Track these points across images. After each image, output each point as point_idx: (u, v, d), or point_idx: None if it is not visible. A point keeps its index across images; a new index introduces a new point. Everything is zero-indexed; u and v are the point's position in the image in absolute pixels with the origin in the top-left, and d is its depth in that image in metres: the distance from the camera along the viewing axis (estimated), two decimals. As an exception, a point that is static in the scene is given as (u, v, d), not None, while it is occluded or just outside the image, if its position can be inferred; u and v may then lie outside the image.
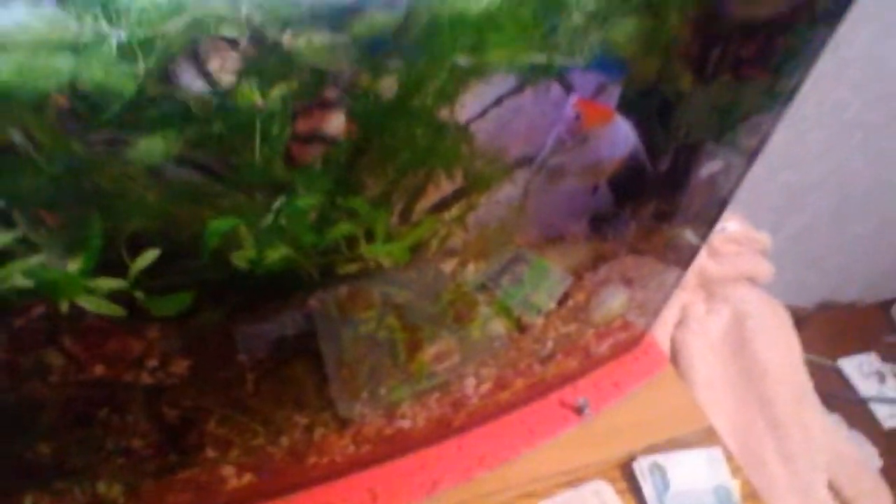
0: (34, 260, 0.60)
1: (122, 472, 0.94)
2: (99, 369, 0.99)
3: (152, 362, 1.00)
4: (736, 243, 1.92)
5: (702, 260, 1.84)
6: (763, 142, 1.13)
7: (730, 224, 1.96)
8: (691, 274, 1.82)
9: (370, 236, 0.82)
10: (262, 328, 1.04)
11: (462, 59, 0.64)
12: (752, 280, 1.91)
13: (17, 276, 0.60)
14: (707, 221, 1.27)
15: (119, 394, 0.97)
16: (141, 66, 0.52)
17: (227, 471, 1.02)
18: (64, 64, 0.48)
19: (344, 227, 0.74)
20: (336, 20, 0.58)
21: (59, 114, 0.53)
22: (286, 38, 0.54)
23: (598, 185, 1.03)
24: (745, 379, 1.80)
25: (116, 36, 0.50)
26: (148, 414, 0.95)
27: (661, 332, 1.74)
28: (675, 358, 1.74)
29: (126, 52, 0.51)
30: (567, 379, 1.35)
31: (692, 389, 1.62)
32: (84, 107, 0.53)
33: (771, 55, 0.98)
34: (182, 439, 0.98)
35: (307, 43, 0.55)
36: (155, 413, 0.97)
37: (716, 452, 1.31)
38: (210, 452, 1.00)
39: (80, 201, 0.60)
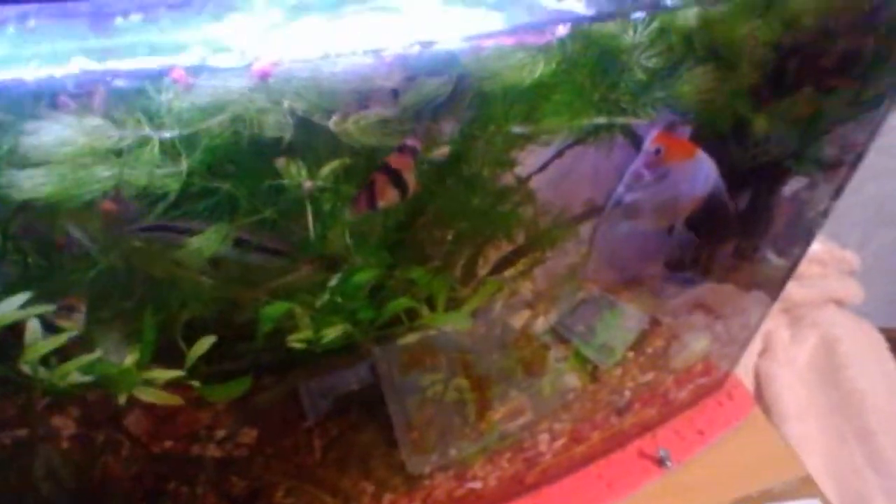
0: (91, 356, 0.59)
1: (193, 545, 0.93)
2: (168, 443, 1.00)
3: (220, 433, 1.00)
4: (820, 264, 1.81)
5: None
6: (857, 160, 1.04)
7: (813, 245, 1.84)
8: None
9: (431, 304, 0.78)
10: (327, 395, 1.02)
11: (517, 128, 0.60)
12: (839, 303, 1.79)
13: (74, 373, 0.60)
14: (798, 247, 1.18)
15: (187, 467, 0.97)
16: (184, 164, 0.50)
17: (297, 540, 1.00)
18: (106, 172, 0.47)
19: (404, 301, 0.71)
20: (382, 98, 0.55)
21: (109, 218, 0.52)
22: (333, 123, 0.51)
23: (675, 225, 0.97)
24: (839, 410, 1.68)
25: (159, 136, 0.48)
26: (216, 486, 0.94)
27: (744, 362, 1.65)
28: (759, 391, 1.64)
29: (169, 151, 0.49)
30: (646, 428, 1.27)
31: (780, 424, 1.51)
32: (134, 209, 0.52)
33: (853, 65, 0.91)
34: (251, 509, 0.97)
35: (356, 124, 0.52)
36: (223, 485, 0.97)
37: (815, 505, 1.21)
38: (279, 522, 0.98)
39: (134, 294, 0.59)
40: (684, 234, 0.99)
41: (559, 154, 0.83)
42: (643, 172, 0.91)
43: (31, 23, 0.42)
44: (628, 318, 1.22)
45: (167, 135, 0.48)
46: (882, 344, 1.74)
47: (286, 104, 0.49)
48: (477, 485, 1.11)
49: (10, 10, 0.39)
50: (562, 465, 1.19)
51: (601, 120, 0.62)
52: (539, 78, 0.54)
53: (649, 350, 1.19)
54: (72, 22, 0.41)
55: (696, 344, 1.21)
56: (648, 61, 0.59)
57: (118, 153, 0.48)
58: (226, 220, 0.55)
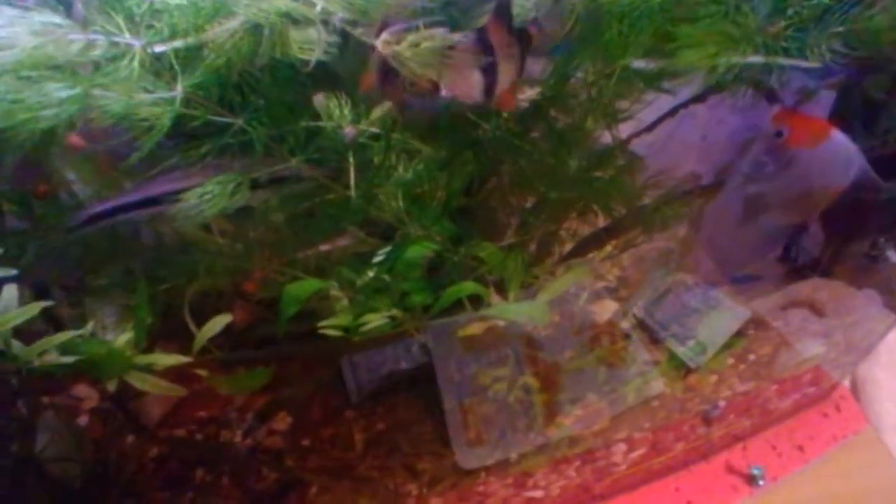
0: (72, 333, 0.47)
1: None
2: (181, 430, 0.88)
3: (251, 419, 0.88)
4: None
5: (892, 276, 1.53)
6: None
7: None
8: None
9: (499, 288, 0.63)
10: (367, 368, 0.89)
11: (638, 63, 0.44)
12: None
13: (53, 352, 0.47)
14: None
15: (214, 453, 0.86)
16: (179, 89, 0.36)
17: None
18: (64, 91, 0.33)
19: (468, 286, 0.56)
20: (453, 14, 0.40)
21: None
22: (382, 42, 0.36)
23: (808, 222, 0.79)
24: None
25: (142, 46, 0.34)
26: (245, 476, 0.83)
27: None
28: (856, 395, 1.46)
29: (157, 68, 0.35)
30: (736, 438, 1.10)
31: (879, 433, 1.34)
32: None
33: None
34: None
35: (411, 47, 0.37)
36: (252, 476, 0.85)
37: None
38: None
39: (126, 260, 0.46)
40: (821, 232, 0.80)
41: (673, 112, 0.66)
42: (764, 160, 0.73)
43: None
44: (727, 314, 1.04)
45: (153, 46, 0.34)
46: None
47: (319, 5, 0.34)
48: (538, 494, 0.96)
49: None
50: (637, 476, 1.04)
51: (756, 58, 0.44)
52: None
53: (752, 357, 1.01)
54: None
55: (809, 351, 1.03)
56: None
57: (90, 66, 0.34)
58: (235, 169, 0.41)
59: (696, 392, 0.97)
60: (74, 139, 0.39)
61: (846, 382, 1.43)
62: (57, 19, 0.33)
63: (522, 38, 0.44)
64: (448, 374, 0.87)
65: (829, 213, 0.77)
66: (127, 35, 0.34)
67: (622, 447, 0.99)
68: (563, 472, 0.98)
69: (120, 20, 0.34)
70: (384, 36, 0.37)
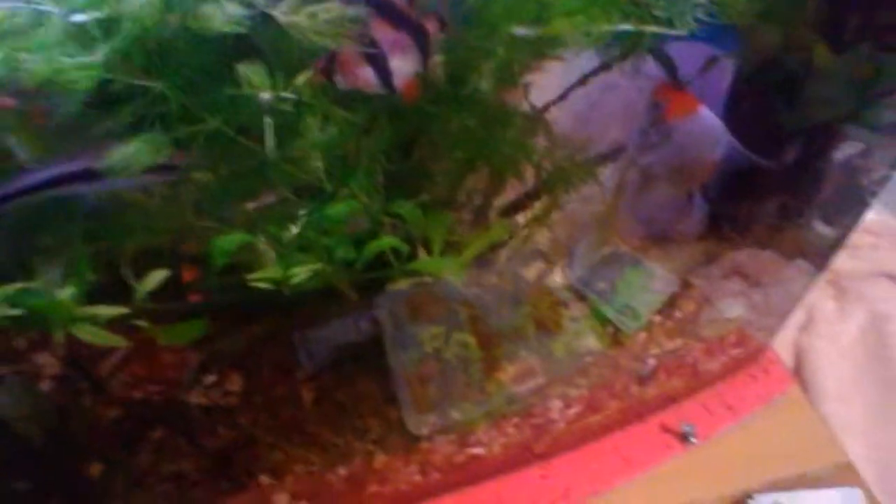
0: (15, 285, 0.51)
1: (171, 498, 0.86)
2: (152, 387, 0.93)
3: (204, 380, 0.93)
4: (872, 234, 1.67)
5: (830, 253, 1.60)
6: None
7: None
8: (818, 268, 1.60)
9: (427, 247, 0.68)
10: (320, 341, 0.94)
11: (521, 30, 0.49)
12: (891, 277, 1.65)
13: (2, 305, 0.52)
14: (850, 215, 1.06)
15: (168, 413, 0.90)
16: (101, 55, 0.41)
17: (282, 499, 0.93)
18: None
19: (386, 240, 0.61)
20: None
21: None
22: (281, 13, 0.41)
23: (692, 192, 0.86)
24: (886, 392, 1.56)
25: (62, 15, 0.39)
26: (191, 438, 0.87)
27: (782, 335, 1.53)
28: (798, 367, 1.52)
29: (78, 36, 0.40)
30: (670, 400, 1.17)
31: (820, 403, 1.41)
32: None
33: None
34: (234, 464, 0.90)
35: (310, 18, 0.42)
36: (205, 434, 0.90)
37: (853, 493, 1.10)
38: (264, 479, 0.92)
39: (62, 218, 0.50)
40: (702, 203, 0.87)
41: (582, 81, 0.71)
42: (648, 131, 0.80)
43: None
44: (656, 280, 1.11)
45: (73, 15, 0.39)
46: (939, 322, 1.60)
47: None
48: (480, 451, 1.02)
49: None
50: (574, 435, 1.10)
51: (626, 27, 0.50)
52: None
53: (678, 314, 1.08)
54: None
55: (731, 311, 1.09)
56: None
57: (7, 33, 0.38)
58: (160, 130, 0.46)
59: (626, 349, 1.03)
60: (6, 101, 0.43)
61: (786, 354, 1.51)
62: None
63: (419, 32, 0.49)
64: (395, 343, 0.92)
65: (708, 185, 0.84)
66: (49, 4, 0.38)
67: (558, 404, 1.05)
68: (503, 430, 1.04)
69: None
70: (282, 6, 0.42)
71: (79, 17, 0.40)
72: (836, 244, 1.11)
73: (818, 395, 1.45)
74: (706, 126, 0.75)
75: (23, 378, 0.85)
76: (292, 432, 0.91)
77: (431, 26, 0.50)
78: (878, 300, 1.58)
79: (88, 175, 0.50)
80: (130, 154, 0.44)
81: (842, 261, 1.57)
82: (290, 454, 0.90)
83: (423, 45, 0.50)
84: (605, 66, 0.66)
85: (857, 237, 1.63)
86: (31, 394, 0.85)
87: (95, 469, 0.87)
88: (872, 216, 1.67)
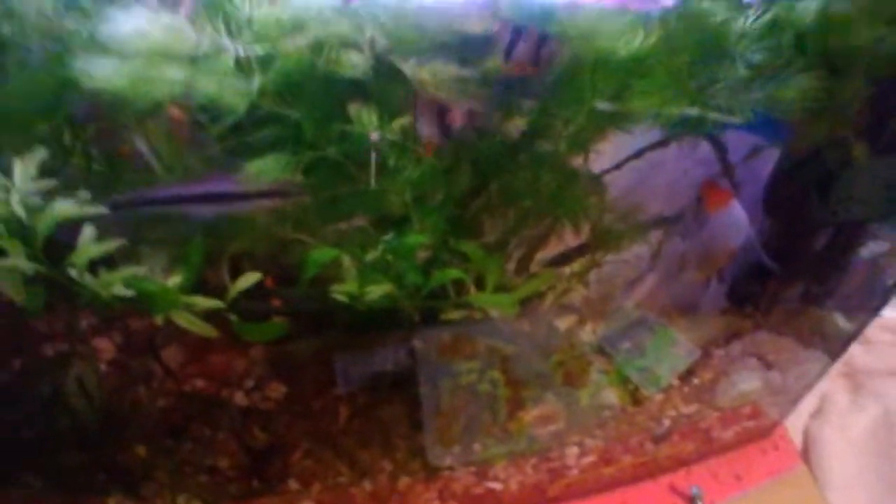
0: (135, 269, 0.59)
1: (205, 489, 0.92)
2: (199, 382, 1.00)
3: (250, 383, 0.99)
4: (891, 332, 1.71)
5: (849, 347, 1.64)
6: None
7: (886, 310, 1.74)
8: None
9: (481, 284, 0.76)
10: (361, 364, 1.01)
11: (602, 105, 0.57)
12: (909, 377, 1.68)
13: (118, 285, 0.59)
14: (867, 310, 1.11)
15: (214, 410, 0.96)
16: (257, 83, 0.49)
17: (307, 506, 0.98)
18: (177, 74, 0.46)
19: (452, 272, 0.68)
20: (468, 51, 0.53)
21: (174, 125, 0.52)
22: (409, 67, 0.49)
23: (711, 278, 0.93)
24: (890, 489, 1.58)
25: (235, 49, 0.47)
26: (239, 434, 0.93)
27: (794, 420, 1.56)
28: (806, 452, 1.55)
29: (243, 66, 0.48)
30: (681, 462, 1.21)
31: (825, 491, 1.43)
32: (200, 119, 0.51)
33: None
34: (268, 466, 0.96)
35: (432, 74, 0.50)
36: (246, 435, 0.96)
37: (851, 577, 1.13)
38: (293, 484, 0.97)
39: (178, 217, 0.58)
40: (717, 285, 0.95)
41: (638, 154, 0.79)
42: (690, 220, 0.88)
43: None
44: (678, 347, 1.16)
45: (243, 49, 0.47)
46: (951, 427, 1.62)
47: (368, 33, 0.47)
48: (497, 486, 1.07)
49: None
50: (587, 484, 1.14)
51: (693, 111, 0.58)
52: (636, 51, 0.50)
53: (696, 381, 1.13)
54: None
55: (746, 385, 1.15)
56: (754, 55, 0.55)
57: (192, 59, 0.47)
58: (288, 151, 0.54)
59: (644, 408, 1.08)
60: (175, 111, 0.51)
61: (796, 439, 1.54)
62: (178, 21, 0.46)
63: None
64: (427, 363, 0.98)
65: (724, 270, 0.91)
66: (225, 37, 0.47)
67: (575, 451, 1.10)
68: (521, 468, 1.08)
69: (220, 24, 0.47)
70: (411, 62, 0.50)
71: (244, 51, 0.48)
72: (851, 335, 1.16)
73: (823, 483, 1.48)
74: (735, 218, 0.83)
75: (86, 360, 0.92)
76: (325, 444, 0.96)
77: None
78: (892, 398, 1.61)
79: (212, 197, 0.59)
80: (264, 167, 0.52)
81: (859, 356, 1.62)
82: (320, 462, 0.95)
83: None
84: (661, 143, 0.74)
85: (875, 334, 1.67)
86: (93, 373, 0.92)
87: (143, 451, 0.93)
88: (892, 313, 1.71)
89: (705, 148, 0.86)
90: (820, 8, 0.55)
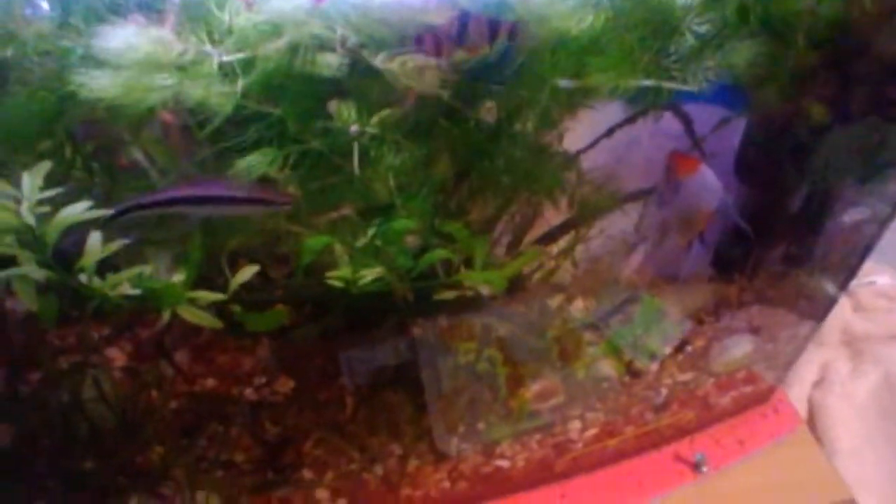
0: (141, 269, 0.63)
1: (222, 485, 0.96)
2: (210, 382, 1.04)
3: (259, 379, 1.04)
4: (887, 298, 1.73)
5: (846, 315, 1.67)
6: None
7: (880, 278, 1.77)
8: (834, 330, 1.66)
9: (471, 264, 0.80)
10: (363, 352, 1.05)
11: (563, 82, 0.61)
12: (907, 341, 1.71)
13: (125, 284, 0.63)
14: (846, 270, 1.15)
15: (226, 408, 1.01)
16: (240, 85, 0.53)
17: (322, 494, 1.02)
18: (166, 81, 0.50)
19: (440, 252, 0.72)
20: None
21: (165, 129, 0.56)
22: (380, 60, 0.54)
23: (692, 241, 0.98)
24: (896, 451, 1.61)
25: (218, 56, 0.51)
26: (251, 429, 0.98)
27: (798, 391, 1.58)
28: (812, 421, 1.57)
29: (227, 71, 0.53)
30: (684, 431, 1.25)
31: (833, 458, 1.46)
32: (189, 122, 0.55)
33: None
34: (281, 457, 1.00)
35: (401, 65, 0.54)
36: (258, 429, 1.00)
37: (855, 529, 1.16)
38: (307, 473, 1.01)
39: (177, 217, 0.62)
40: (700, 248, 0.99)
41: (609, 132, 0.84)
42: (662, 188, 0.93)
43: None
44: (669, 317, 1.20)
45: (225, 55, 0.51)
46: (952, 387, 1.64)
47: (339, 32, 0.51)
48: (504, 463, 1.11)
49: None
50: (593, 457, 1.18)
51: (648, 82, 0.62)
52: (588, 30, 0.55)
53: (689, 349, 1.17)
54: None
55: (737, 350, 1.18)
56: (700, 27, 0.60)
57: (179, 67, 0.51)
58: (274, 147, 0.58)
59: (641, 379, 1.12)
60: (167, 115, 0.56)
61: (801, 409, 1.57)
62: (164, 33, 0.50)
63: None
64: (430, 359, 1.02)
65: (704, 233, 0.96)
66: (209, 46, 0.51)
67: (577, 425, 1.14)
68: (526, 445, 1.12)
69: (203, 34, 0.52)
70: (381, 56, 0.55)
71: (228, 57, 0.52)
72: (835, 296, 1.20)
73: (831, 450, 1.51)
74: (706, 182, 0.87)
75: (101, 368, 0.96)
76: (335, 433, 1.01)
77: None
78: (892, 362, 1.64)
79: (205, 199, 0.63)
80: (252, 163, 0.57)
81: (858, 323, 1.65)
82: (332, 450, 0.99)
83: None
84: (629, 120, 0.78)
85: (871, 300, 1.71)
86: (107, 379, 0.96)
87: (160, 452, 0.97)
88: (887, 280, 1.75)
89: (678, 124, 0.90)
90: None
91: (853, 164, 1.00)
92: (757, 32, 0.63)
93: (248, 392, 1.00)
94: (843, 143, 0.95)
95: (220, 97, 0.53)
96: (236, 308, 0.68)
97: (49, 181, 0.58)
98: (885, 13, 0.76)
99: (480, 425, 1.07)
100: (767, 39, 0.63)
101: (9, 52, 0.49)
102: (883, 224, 1.06)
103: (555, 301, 1.07)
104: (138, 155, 0.63)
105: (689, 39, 0.60)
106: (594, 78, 0.60)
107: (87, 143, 0.66)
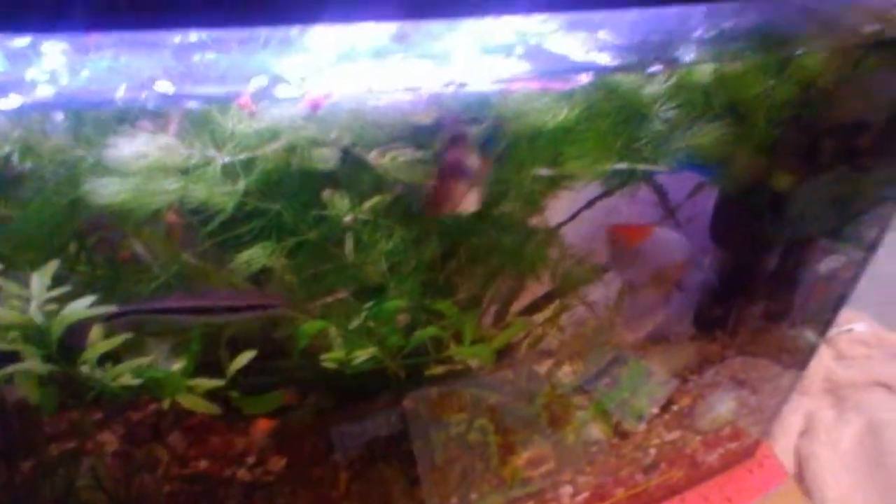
0: (142, 360, 0.65)
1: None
2: (203, 463, 1.04)
3: (251, 459, 1.04)
4: (865, 345, 1.77)
5: (827, 363, 1.70)
6: (881, 234, 1.06)
7: (858, 325, 1.81)
8: (816, 378, 1.69)
9: (459, 338, 0.82)
10: (355, 427, 1.06)
11: (543, 170, 0.65)
12: (887, 387, 1.74)
13: (127, 375, 0.65)
14: (824, 319, 1.19)
15: (219, 490, 1.00)
16: (241, 184, 0.57)
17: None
18: (172, 185, 0.53)
19: (430, 330, 0.75)
20: (421, 138, 0.61)
21: (171, 229, 0.59)
22: (372, 157, 0.57)
23: (669, 293, 1.02)
24: (885, 497, 1.62)
25: (221, 158, 0.55)
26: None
27: (784, 442, 1.60)
28: (800, 471, 1.59)
29: (229, 172, 0.56)
30: (673, 491, 1.26)
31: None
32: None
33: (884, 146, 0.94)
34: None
35: (392, 160, 0.58)
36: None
37: (846, 582, 1.17)
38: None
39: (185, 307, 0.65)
40: (680, 298, 1.03)
41: (589, 205, 0.88)
42: (612, 258, 0.98)
43: (123, 57, 0.49)
44: (655, 377, 1.23)
45: (228, 158, 0.55)
46: (937, 432, 1.66)
47: (333, 134, 0.55)
48: (497, 532, 1.11)
49: (109, 39, 0.46)
50: (585, 521, 1.18)
51: (622, 166, 0.66)
52: (563, 122, 0.59)
53: (675, 408, 1.19)
54: (160, 53, 0.48)
55: (722, 405, 1.21)
56: (667, 113, 0.64)
57: (185, 170, 0.54)
58: (273, 240, 0.61)
59: (629, 440, 1.14)
60: (172, 217, 0.58)
61: (788, 459, 1.58)
62: (170, 139, 0.53)
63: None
64: (421, 432, 1.04)
65: (681, 281, 1.00)
66: (213, 150, 0.55)
67: (569, 489, 1.15)
68: (519, 512, 1.13)
69: (207, 139, 0.55)
70: (374, 153, 0.58)
71: (229, 159, 0.56)
72: (813, 347, 1.24)
73: (821, 500, 1.52)
74: (665, 241, 0.92)
75: (95, 453, 0.96)
76: (328, 510, 1.01)
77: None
78: (874, 409, 1.66)
79: (200, 310, 0.66)
80: (252, 256, 0.59)
81: (840, 371, 1.69)
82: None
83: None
84: (607, 193, 0.82)
85: (851, 348, 1.75)
86: (101, 465, 0.96)
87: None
88: (865, 327, 1.79)
89: (649, 193, 0.95)
90: (714, 69, 0.64)
91: (826, 217, 1.05)
92: (721, 115, 0.68)
93: (241, 473, 1.00)
94: (815, 198, 1.01)
95: (223, 196, 0.56)
96: (234, 393, 0.70)
97: (54, 275, 0.61)
98: (836, 86, 0.82)
99: (473, 495, 1.07)
100: (731, 120, 0.68)
101: (27, 165, 0.52)
102: (859, 269, 1.11)
103: (543, 367, 1.09)
104: (141, 249, 0.65)
105: (658, 124, 0.65)
106: (570, 165, 0.64)
107: (91, 236, 0.68)
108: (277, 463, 1.05)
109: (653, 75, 0.62)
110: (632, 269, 0.92)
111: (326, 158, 0.60)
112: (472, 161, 0.63)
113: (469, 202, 0.63)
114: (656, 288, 1.00)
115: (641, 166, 0.67)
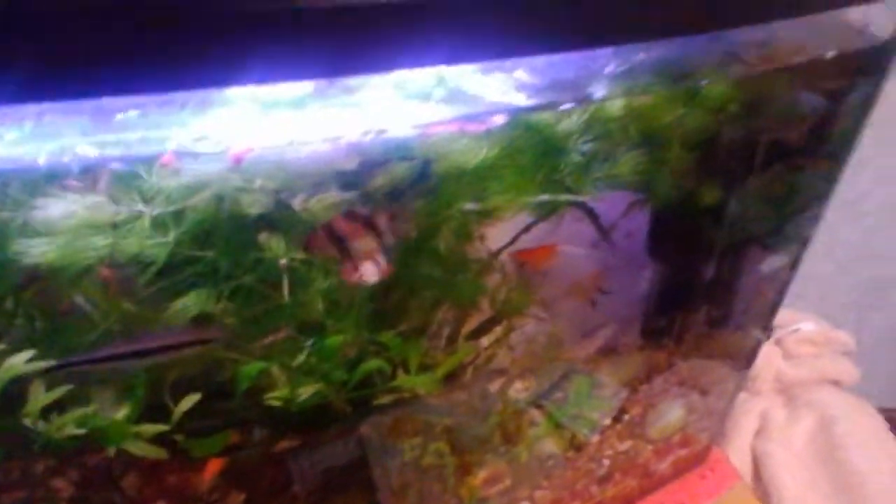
0: (85, 410, 0.66)
1: None
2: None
3: (209, 497, 1.04)
4: (812, 344, 1.83)
5: (777, 363, 1.75)
6: (807, 235, 1.11)
7: (804, 324, 1.87)
8: (768, 379, 1.74)
9: (406, 368, 0.84)
10: (315, 457, 1.07)
11: (470, 205, 0.68)
12: (836, 383, 1.80)
13: (71, 425, 0.66)
14: (762, 319, 1.24)
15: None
16: (172, 235, 0.58)
17: None
18: (102, 241, 0.55)
19: (373, 363, 0.77)
20: (346, 180, 0.63)
21: (105, 282, 0.60)
22: (297, 203, 0.59)
23: (594, 299, 1.07)
24: (839, 492, 1.66)
25: (149, 212, 0.56)
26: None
27: (739, 442, 1.65)
28: (757, 471, 1.63)
29: (159, 224, 0.57)
30: (628, 500, 1.29)
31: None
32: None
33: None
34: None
35: (318, 202, 0.60)
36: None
37: (800, 579, 1.21)
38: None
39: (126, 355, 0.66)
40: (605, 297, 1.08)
41: (526, 229, 0.91)
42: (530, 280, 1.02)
43: (46, 118, 0.51)
44: (605, 388, 1.26)
45: (157, 211, 0.57)
46: (882, 424, 1.71)
47: (258, 183, 0.57)
48: (458, 552, 1.12)
49: (30, 109, 0.47)
50: (544, 535, 1.21)
51: (545, 197, 0.70)
52: (483, 160, 0.62)
53: (626, 418, 1.23)
54: (79, 117, 0.50)
55: (672, 413, 1.25)
56: (584, 146, 0.68)
57: (114, 226, 0.56)
58: (208, 286, 0.63)
59: (583, 452, 1.17)
60: (105, 272, 0.60)
61: (745, 460, 1.62)
62: (98, 197, 0.55)
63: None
64: (378, 457, 1.05)
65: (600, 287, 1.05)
66: (141, 205, 0.56)
67: (526, 506, 1.17)
68: (478, 532, 1.14)
69: (134, 195, 0.57)
70: (299, 198, 0.61)
71: (158, 212, 0.57)
72: (754, 348, 1.28)
73: (779, 499, 1.56)
74: (570, 258, 0.96)
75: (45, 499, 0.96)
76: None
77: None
78: (824, 405, 1.71)
79: (142, 353, 0.67)
80: (188, 302, 0.61)
81: (789, 370, 1.74)
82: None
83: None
84: (537, 221, 0.86)
85: (798, 347, 1.80)
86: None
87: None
88: (812, 326, 1.85)
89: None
90: (624, 104, 0.68)
91: (752, 224, 1.10)
92: (638, 144, 0.72)
93: (200, 510, 1.01)
94: (738, 210, 1.05)
95: (155, 247, 0.58)
96: (180, 437, 0.71)
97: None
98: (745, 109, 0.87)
99: (433, 518, 1.09)
100: (647, 149, 0.72)
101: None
102: (791, 269, 1.16)
103: (495, 385, 1.12)
104: (80, 300, 0.67)
105: (576, 156, 0.68)
106: (495, 199, 0.67)
107: (27, 290, 0.69)
108: (237, 499, 1.05)
109: (566, 112, 0.66)
110: (544, 289, 0.96)
111: (256, 203, 0.61)
112: (364, 238, 0.66)
113: (369, 273, 0.66)
114: (580, 295, 1.04)
115: (563, 196, 0.70)
